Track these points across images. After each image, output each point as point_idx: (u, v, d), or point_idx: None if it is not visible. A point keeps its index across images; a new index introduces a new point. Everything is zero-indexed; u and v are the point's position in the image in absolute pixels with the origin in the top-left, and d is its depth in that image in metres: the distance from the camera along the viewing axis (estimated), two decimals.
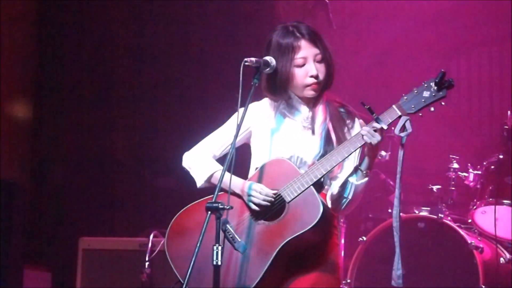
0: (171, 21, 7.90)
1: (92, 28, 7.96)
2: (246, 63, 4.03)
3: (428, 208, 6.57)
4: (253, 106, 4.23)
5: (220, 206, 3.80)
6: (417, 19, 7.92)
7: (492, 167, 6.54)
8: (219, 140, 4.25)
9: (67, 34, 7.97)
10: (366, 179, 4.02)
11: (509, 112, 6.53)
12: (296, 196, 4.00)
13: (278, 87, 4.17)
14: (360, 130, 3.96)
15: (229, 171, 3.96)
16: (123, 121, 7.96)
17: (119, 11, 7.92)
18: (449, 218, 6.49)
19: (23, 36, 7.85)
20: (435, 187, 6.69)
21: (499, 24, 7.68)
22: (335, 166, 4.00)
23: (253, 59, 4.06)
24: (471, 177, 6.63)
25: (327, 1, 6.91)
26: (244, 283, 3.97)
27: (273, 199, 4.02)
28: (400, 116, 3.90)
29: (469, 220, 6.61)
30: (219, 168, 4.18)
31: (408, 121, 3.89)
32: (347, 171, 4.09)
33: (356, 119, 4.17)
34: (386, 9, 7.96)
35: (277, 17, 7.44)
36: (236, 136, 3.99)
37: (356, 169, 4.04)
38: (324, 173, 3.99)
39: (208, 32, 7.81)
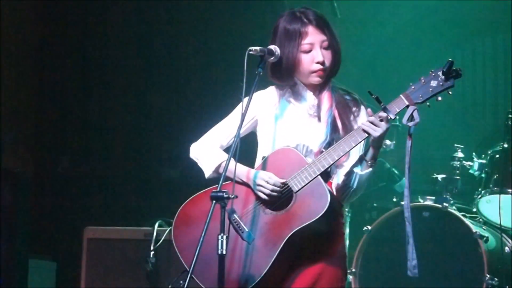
0: (175, 14, 7.88)
1: (94, 25, 7.96)
2: (251, 52, 4.00)
3: (433, 197, 6.56)
4: (259, 95, 4.20)
5: (225, 195, 3.78)
6: (421, 7, 7.90)
7: (497, 156, 6.54)
8: (226, 130, 4.21)
9: (68, 31, 7.97)
10: (371, 169, 4.00)
11: None
12: (304, 186, 3.97)
13: (284, 73, 4.14)
14: (362, 124, 3.94)
15: (234, 159, 3.95)
16: (127, 111, 7.95)
17: (121, 9, 7.92)
18: (454, 207, 6.49)
19: (24, 32, 7.85)
20: (439, 176, 6.69)
21: (504, 11, 7.65)
22: (342, 155, 3.97)
23: (257, 48, 4.03)
24: (476, 166, 6.63)
25: None
26: (252, 273, 3.95)
27: (281, 189, 4.00)
28: (407, 106, 3.88)
29: (474, 209, 6.61)
30: (226, 157, 4.14)
31: (416, 110, 3.86)
32: (353, 160, 4.06)
33: (362, 107, 4.14)
34: None
35: (282, 6, 7.42)
36: (240, 125, 3.95)
37: (361, 159, 4.02)
38: (332, 162, 3.97)
39: (214, 25, 7.80)
